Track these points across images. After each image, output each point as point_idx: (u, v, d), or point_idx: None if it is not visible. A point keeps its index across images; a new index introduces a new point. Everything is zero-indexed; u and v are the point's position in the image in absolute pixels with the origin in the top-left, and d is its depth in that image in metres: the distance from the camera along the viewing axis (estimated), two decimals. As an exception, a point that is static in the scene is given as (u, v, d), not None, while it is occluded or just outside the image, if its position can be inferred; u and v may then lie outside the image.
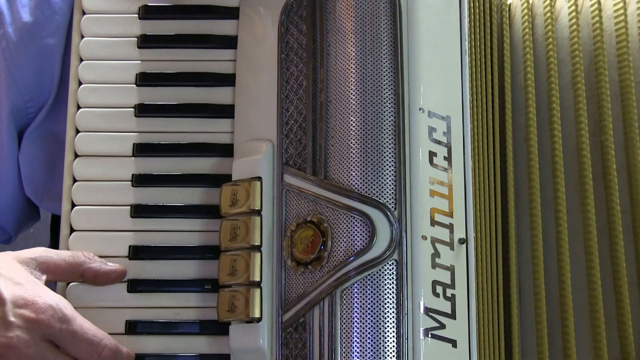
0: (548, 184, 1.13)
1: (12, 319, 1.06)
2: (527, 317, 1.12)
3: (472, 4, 1.14)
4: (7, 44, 1.24)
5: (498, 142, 1.13)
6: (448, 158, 1.07)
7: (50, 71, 1.25)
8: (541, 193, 1.12)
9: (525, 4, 1.18)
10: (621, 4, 1.15)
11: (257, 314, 1.09)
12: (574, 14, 1.14)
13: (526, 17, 1.16)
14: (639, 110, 1.12)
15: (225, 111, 1.20)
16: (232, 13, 1.22)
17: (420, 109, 1.06)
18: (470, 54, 1.11)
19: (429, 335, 1.02)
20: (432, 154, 1.06)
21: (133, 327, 1.16)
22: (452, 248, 1.05)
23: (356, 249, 1.03)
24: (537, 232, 1.09)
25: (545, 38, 1.15)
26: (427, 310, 1.02)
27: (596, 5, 1.14)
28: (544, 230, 1.12)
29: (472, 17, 1.13)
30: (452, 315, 1.03)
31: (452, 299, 1.04)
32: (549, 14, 1.14)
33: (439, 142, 1.06)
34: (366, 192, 1.04)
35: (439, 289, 1.03)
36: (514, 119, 1.15)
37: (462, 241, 1.06)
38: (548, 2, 1.16)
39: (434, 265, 1.03)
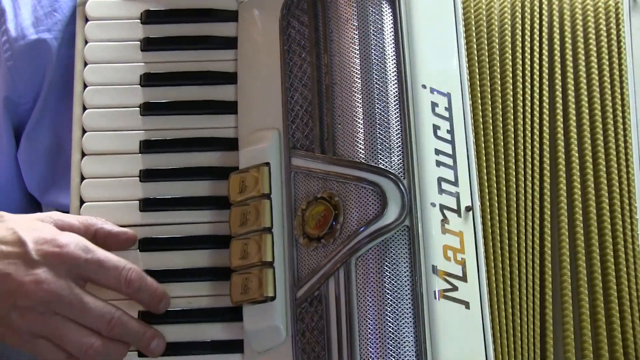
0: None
1: (35, 256, 1.07)
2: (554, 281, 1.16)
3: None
4: (7, 39, 1.28)
5: (502, 121, 1.18)
6: (451, 131, 1.12)
7: (43, 65, 1.29)
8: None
9: None
10: None
11: (270, 293, 1.11)
12: None
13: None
14: None
15: (228, 107, 1.24)
16: (231, 16, 1.27)
17: (422, 86, 1.11)
18: (468, 36, 1.17)
19: (444, 297, 1.05)
20: (435, 127, 1.11)
21: (147, 317, 1.17)
22: (459, 215, 1.09)
23: (368, 217, 1.07)
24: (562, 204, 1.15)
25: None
26: (440, 273, 1.06)
27: None
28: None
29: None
30: (464, 278, 1.07)
31: (462, 263, 1.07)
32: None
33: (441, 117, 1.12)
34: (376, 162, 1.08)
35: (450, 253, 1.07)
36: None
37: (469, 209, 1.10)
38: None
39: (444, 231, 1.07)
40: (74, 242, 1.10)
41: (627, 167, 1.16)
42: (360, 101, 1.11)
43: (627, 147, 1.16)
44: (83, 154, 1.23)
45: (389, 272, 1.06)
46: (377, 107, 1.10)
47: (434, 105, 1.11)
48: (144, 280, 1.13)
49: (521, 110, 1.16)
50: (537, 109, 1.17)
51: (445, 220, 1.08)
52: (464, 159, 1.12)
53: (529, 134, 1.16)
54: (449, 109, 1.12)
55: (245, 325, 1.13)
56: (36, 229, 1.11)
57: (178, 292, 1.18)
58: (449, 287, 1.06)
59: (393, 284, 1.05)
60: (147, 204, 1.21)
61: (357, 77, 1.12)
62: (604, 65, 1.19)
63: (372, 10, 1.13)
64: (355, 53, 1.12)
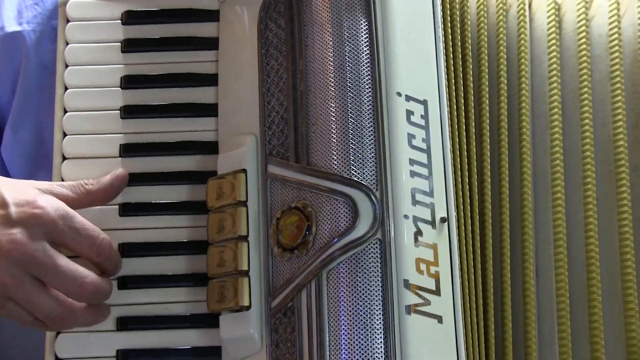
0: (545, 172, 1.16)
1: (14, 217, 1.08)
2: (518, 296, 1.14)
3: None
4: None
5: (475, 131, 1.16)
6: (426, 140, 1.09)
7: (19, 58, 1.30)
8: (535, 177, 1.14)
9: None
10: None
11: (246, 302, 1.11)
12: (615, 11, 1.18)
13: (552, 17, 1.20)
14: None
15: (209, 110, 1.23)
16: (212, 16, 1.25)
17: (397, 93, 1.09)
18: (447, 41, 1.14)
19: (415, 312, 1.04)
20: (410, 136, 1.08)
21: (124, 324, 1.17)
22: (434, 227, 1.07)
23: (340, 230, 1.05)
24: (527, 215, 1.12)
25: (578, 33, 1.18)
26: (412, 287, 1.04)
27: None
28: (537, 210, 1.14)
29: (447, 4, 1.16)
30: (437, 292, 1.05)
31: (436, 276, 1.06)
32: (582, 9, 1.18)
33: (417, 125, 1.09)
34: (348, 174, 1.07)
35: (423, 266, 1.05)
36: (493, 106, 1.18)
37: (444, 220, 1.08)
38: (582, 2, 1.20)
39: (417, 244, 1.06)
40: (53, 207, 1.10)
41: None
42: (334, 109, 1.09)
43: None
44: (64, 158, 1.22)
45: (360, 286, 1.04)
46: (351, 116, 1.08)
47: (409, 113, 1.09)
48: (112, 251, 1.15)
49: (500, 117, 1.14)
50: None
51: (418, 232, 1.06)
52: (439, 168, 1.10)
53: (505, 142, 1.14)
54: (425, 116, 1.10)
55: (221, 333, 1.13)
56: (20, 190, 1.12)
57: (156, 297, 1.18)
58: (421, 301, 1.04)
59: (364, 298, 1.04)
60: (127, 209, 1.20)
61: (330, 85, 1.10)
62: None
63: (346, 15, 1.11)
64: (329, 59, 1.10)
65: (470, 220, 1.11)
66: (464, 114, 1.13)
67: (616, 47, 1.18)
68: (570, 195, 1.16)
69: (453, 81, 1.13)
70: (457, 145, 1.12)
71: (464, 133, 1.13)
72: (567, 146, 1.17)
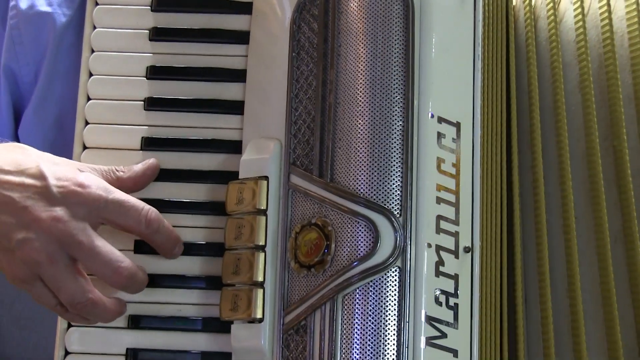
0: (555, 190, 1.11)
1: (56, 193, 1.07)
2: (532, 327, 1.10)
3: (486, 8, 1.11)
4: (16, 6, 1.28)
5: (505, 149, 1.11)
6: (456, 165, 1.05)
7: (45, 38, 1.27)
8: (549, 200, 1.10)
9: (528, 7, 1.15)
10: (634, 6, 1.12)
11: (259, 315, 1.08)
12: (580, 16, 1.12)
13: (529, 20, 1.13)
14: None
15: (235, 107, 1.19)
16: (244, 8, 1.21)
17: (430, 114, 1.05)
18: (483, 59, 1.09)
19: (430, 345, 1.01)
20: (440, 160, 1.04)
21: (136, 322, 1.16)
22: (457, 256, 1.04)
23: (359, 254, 1.02)
24: (543, 239, 1.08)
25: (550, 42, 1.13)
26: (429, 319, 1.01)
27: (605, 7, 1.12)
28: (551, 237, 1.10)
29: (486, 20, 1.11)
30: (454, 325, 1.02)
31: (454, 308, 1.03)
32: (552, 16, 1.12)
33: (447, 149, 1.05)
34: (372, 197, 1.03)
35: (442, 298, 1.02)
36: (520, 125, 1.13)
37: (468, 250, 1.04)
38: (551, 4, 1.13)
39: (438, 274, 1.02)
40: (95, 183, 1.09)
41: None
42: (361, 126, 1.05)
43: None
44: (84, 147, 1.20)
45: (376, 314, 1.01)
46: (379, 135, 1.04)
47: (440, 136, 1.05)
48: (162, 222, 1.13)
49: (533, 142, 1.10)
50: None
51: (440, 262, 1.02)
52: (467, 195, 1.05)
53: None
54: (456, 140, 1.05)
55: (232, 342, 1.11)
56: (58, 163, 1.11)
57: (169, 298, 1.16)
58: (437, 334, 1.01)
59: (378, 327, 1.01)
60: (145, 205, 1.17)
61: (360, 100, 1.05)
62: None
63: (382, 28, 1.06)
64: (361, 73, 1.06)
65: (496, 249, 1.07)
66: (497, 137, 1.08)
67: (584, 55, 1.12)
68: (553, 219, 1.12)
69: (488, 102, 1.08)
70: (487, 172, 1.07)
71: (496, 158, 1.08)
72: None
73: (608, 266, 1.06)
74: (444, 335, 1.01)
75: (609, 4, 1.12)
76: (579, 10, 1.13)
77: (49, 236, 1.06)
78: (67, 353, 1.16)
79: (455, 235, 1.04)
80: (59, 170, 1.09)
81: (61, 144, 1.26)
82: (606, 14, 1.11)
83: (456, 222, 1.04)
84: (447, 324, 1.02)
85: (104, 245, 1.08)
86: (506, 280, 1.10)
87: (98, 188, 1.09)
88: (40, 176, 1.07)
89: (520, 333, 1.06)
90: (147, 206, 1.12)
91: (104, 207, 1.09)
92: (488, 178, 1.09)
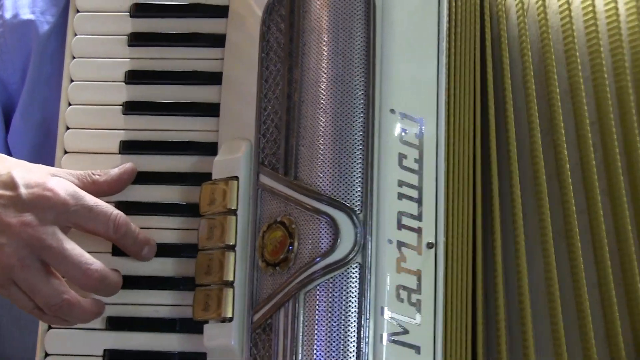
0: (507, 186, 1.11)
1: (25, 199, 1.08)
2: (492, 323, 1.09)
3: (455, 4, 1.11)
4: (1, 16, 1.31)
5: (478, 146, 1.10)
6: (419, 160, 1.04)
7: (29, 46, 1.30)
8: (504, 199, 1.09)
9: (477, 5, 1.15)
10: None
11: (229, 314, 1.09)
12: (521, 11, 1.11)
13: (487, 17, 1.13)
14: (589, 106, 1.09)
15: (212, 110, 1.20)
16: (221, 11, 1.22)
17: (391, 110, 1.04)
18: (449, 55, 1.08)
19: (392, 341, 1.00)
20: (402, 156, 1.04)
21: (113, 323, 1.17)
22: (419, 252, 1.03)
23: (321, 251, 1.02)
24: (497, 236, 1.07)
25: (499, 37, 1.12)
26: (390, 316, 1.00)
27: (541, 2, 1.11)
28: (507, 235, 1.09)
29: (455, 16, 1.10)
30: (417, 321, 1.01)
31: (417, 305, 1.02)
32: (501, 12, 1.11)
33: (410, 144, 1.04)
34: (333, 193, 1.03)
35: (404, 294, 1.01)
36: (487, 121, 1.12)
37: (431, 246, 1.03)
38: (500, 1, 1.13)
39: (399, 270, 1.02)
40: (64, 188, 1.11)
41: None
42: (323, 123, 1.05)
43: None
44: (65, 152, 1.22)
45: (336, 311, 1.01)
46: (340, 132, 1.04)
47: (402, 131, 1.04)
48: (129, 226, 1.14)
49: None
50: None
51: (401, 258, 1.02)
52: (431, 191, 1.05)
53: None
54: (419, 135, 1.05)
55: (205, 340, 1.12)
56: (30, 170, 1.13)
57: (147, 299, 1.17)
58: (399, 330, 1.00)
59: (338, 323, 1.01)
60: (122, 208, 1.19)
61: (322, 97, 1.05)
62: None
63: (344, 25, 1.06)
64: (323, 70, 1.06)
65: (462, 246, 1.06)
66: (468, 133, 1.07)
67: (525, 50, 1.11)
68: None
69: (453, 99, 1.07)
70: (452, 167, 1.06)
71: (461, 155, 1.07)
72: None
73: (552, 262, 1.05)
74: (405, 331, 1.01)
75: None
76: (520, 5, 1.12)
77: (19, 241, 1.08)
78: (47, 355, 1.17)
79: (418, 231, 1.03)
80: (30, 177, 1.11)
81: (48, 149, 1.28)
82: (542, 8, 1.10)
83: (419, 218, 1.03)
84: (409, 320, 1.01)
85: (73, 248, 1.10)
86: (479, 277, 1.08)
87: (67, 193, 1.10)
88: (12, 184, 1.10)
89: (479, 330, 1.05)
90: (115, 211, 1.13)
91: (73, 211, 1.10)
92: (457, 174, 1.08)
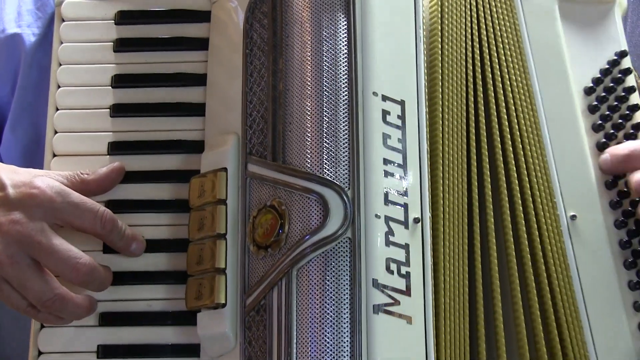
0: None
1: (13, 198, 1.11)
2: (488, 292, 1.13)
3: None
4: None
5: (466, 126, 1.15)
6: (402, 140, 1.09)
7: (17, 59, 1.33)
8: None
9: None
10: None
11: (222, 300, 1.11)
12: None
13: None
14: None
15: (197, 109, 1.24)
16: (203, 16, 1.26)
17: (374, 93, 1.09)
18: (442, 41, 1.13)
19: (384, 312, 1.03)
20: (386, 136, 1.08)
21: (106, 319, 1.18)
22: (406, 227, 1.07)
23: (311, 228, 1.05)
24: (489, 210, 1.11)
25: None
26: (381, 287, 1.03)
27: None
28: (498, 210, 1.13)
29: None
30: (407, 292, 1.05)
31: (406, 277, 1.05)
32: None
33: (393, 125, 1.09)
34: (320, 173, 1.06)
35: (393, 267, 1.05)
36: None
37: (417, 220, 1.07)
38: None
39: (388, 244, 1.05)
40: (50, 186, 1.13)
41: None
42: (309, 108, 1.09)
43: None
44: (54, 155, 1.24)
45: (329, 285, 1.04)
46: (326, 115, 1.08)
47: (385, 113, 1.09)
48: (116, 222, 1.16)
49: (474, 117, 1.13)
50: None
51: (390, 232, 1.05)
52: (415, 169, 1.09)
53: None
54: (402, 117, 1.09)
55: (198, 330, 1.13)
56: (17, 172, 1.15)
57: (139, 294, 1.19)
58: (390, 301, 1.03)
59: (332, 296, 1.03)
60: (112, 206, 1.21)
61: (307, 84, 1.10)
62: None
63: (326, 15, 1.11)
64: (307, 58, 1.10)
65: (448, 222, 1.10)
66: (441, 114, 1.12)
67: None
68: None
69: (448, 83, 1.12)
70: (435, 146, 1.11)
71: (442, 134, 1.12)
72: None
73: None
74: (396, 302, 1.04)
75: None
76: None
77: (8, 238, 1.10)
78: (40, 353, 1.18)
79: (405, 206, 1.07)
80: (17, 177, 1.13)
81: (39, 156, 1.30)
82: None
83: (405, 195, 1.07)
84: (400, 291, 1.04)
85: (61, 243, 1.12)
86: (467, 251, 1.12)
87: (53, 190, 1.13)
88: (1, 186, 1.12)
89: (478, 299, 1.08)
90: (102, 207, 1.15)
91: (59, 208, 1.12)
92: (448, 151, 1.11)
